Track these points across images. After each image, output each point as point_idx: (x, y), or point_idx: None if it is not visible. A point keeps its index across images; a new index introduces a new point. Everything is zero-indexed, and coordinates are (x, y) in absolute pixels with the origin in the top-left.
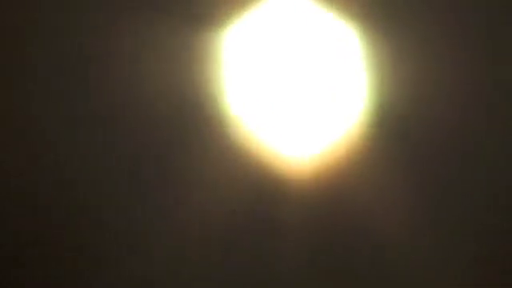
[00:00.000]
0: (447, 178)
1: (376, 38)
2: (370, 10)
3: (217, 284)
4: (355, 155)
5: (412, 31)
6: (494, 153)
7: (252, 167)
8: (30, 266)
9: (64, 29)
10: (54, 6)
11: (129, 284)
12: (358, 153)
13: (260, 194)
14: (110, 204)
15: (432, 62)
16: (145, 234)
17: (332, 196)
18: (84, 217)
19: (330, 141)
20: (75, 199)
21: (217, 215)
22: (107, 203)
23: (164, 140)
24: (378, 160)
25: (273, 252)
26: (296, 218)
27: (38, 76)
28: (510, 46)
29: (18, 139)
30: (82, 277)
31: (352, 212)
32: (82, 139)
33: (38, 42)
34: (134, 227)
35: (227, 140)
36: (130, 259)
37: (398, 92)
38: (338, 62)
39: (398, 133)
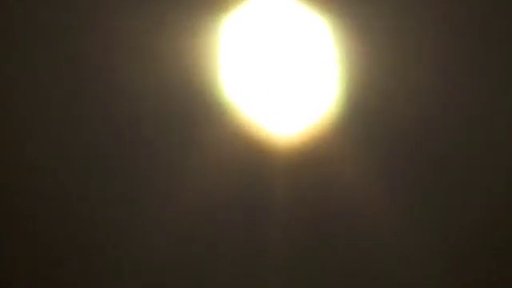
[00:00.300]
0: (412, 158)
1: (349, 33)
2: (345, 6)
3: (207, 253)
4: (329, 135)
5: (383, 26)
6: (459, 141)
7: (243, 143)
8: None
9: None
10: None
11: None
12: (331, 133)
13: (249, 165)
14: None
15: (401, 55)
16: (143, 206)
17: (310, 168)
18: (81, 200)
19: (308, 122)
20: (74, 184)
21: (211, 186)
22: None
23: (160, 118)
24: (348, 139)
25: (259, 218)
26: (280, 186)
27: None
28: (482, 42)
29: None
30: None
31: (328, 183)
32: (76, 126)
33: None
34: (131, 199)
35: (222, 120)
36: (128, 232)
37: (367, 81)
38: (317, 54)
39: (367, 118)
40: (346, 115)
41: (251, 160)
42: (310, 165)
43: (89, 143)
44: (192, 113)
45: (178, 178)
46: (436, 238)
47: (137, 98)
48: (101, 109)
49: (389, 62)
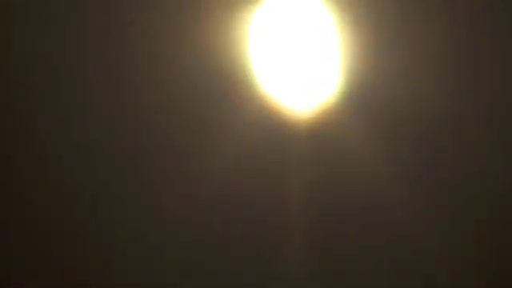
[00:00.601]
0: (411, 138)
1: (356, 28)
2: (353, 4)
3: (233, 223)
4: (338, 113)
5: (385, 19)
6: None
7: (268, 117)
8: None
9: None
10: None
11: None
12: (339, 111)
13: (274, 138)
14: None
15: (400, 48)
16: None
17: (321, 140)
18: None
19: (320, 101)
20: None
21: (239, 152)
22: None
23: (200, 97)
24: (354, 115)
25: (279, 178)
26: (298, 152)
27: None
28: (484, 41)
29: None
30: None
31: (336, 153)
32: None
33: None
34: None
35: (251, 98)
36: (165, 186)
37: (370, 69)
38: (329, 45)
39: (366, 100)
40: (351, 96)
41: (275, 134)
42: (323, 138)
43: (129, 127)
44: (224, 94)
45: (211, 153)
46: (439, 207)
47: (172, 84)
48: (139, 94)
49: (389, 53)
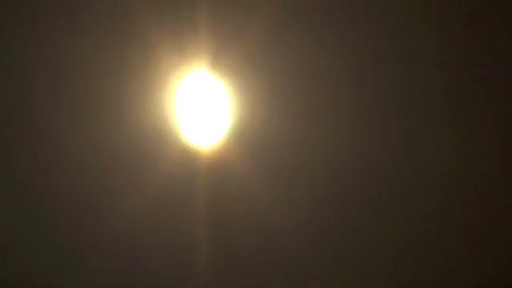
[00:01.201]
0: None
1: (245, 93)
2: (236, 67)
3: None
4: (232, 150)
5: (268, 82)
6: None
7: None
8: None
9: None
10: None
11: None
12: (233, 149)
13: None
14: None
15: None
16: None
17: (220, 174)
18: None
19: (217, 141)
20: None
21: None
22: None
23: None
24: (244, 152)
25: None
26: (200, 185)
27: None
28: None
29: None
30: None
31: (230, 187)
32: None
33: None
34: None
35: (168, 146)
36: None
37: (255, 118)
38: (222, 104)
39: (254, 141)
40: (241, 138)
41: (186, 167)
42: (220, 168)
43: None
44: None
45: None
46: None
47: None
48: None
49: (270, 107)
